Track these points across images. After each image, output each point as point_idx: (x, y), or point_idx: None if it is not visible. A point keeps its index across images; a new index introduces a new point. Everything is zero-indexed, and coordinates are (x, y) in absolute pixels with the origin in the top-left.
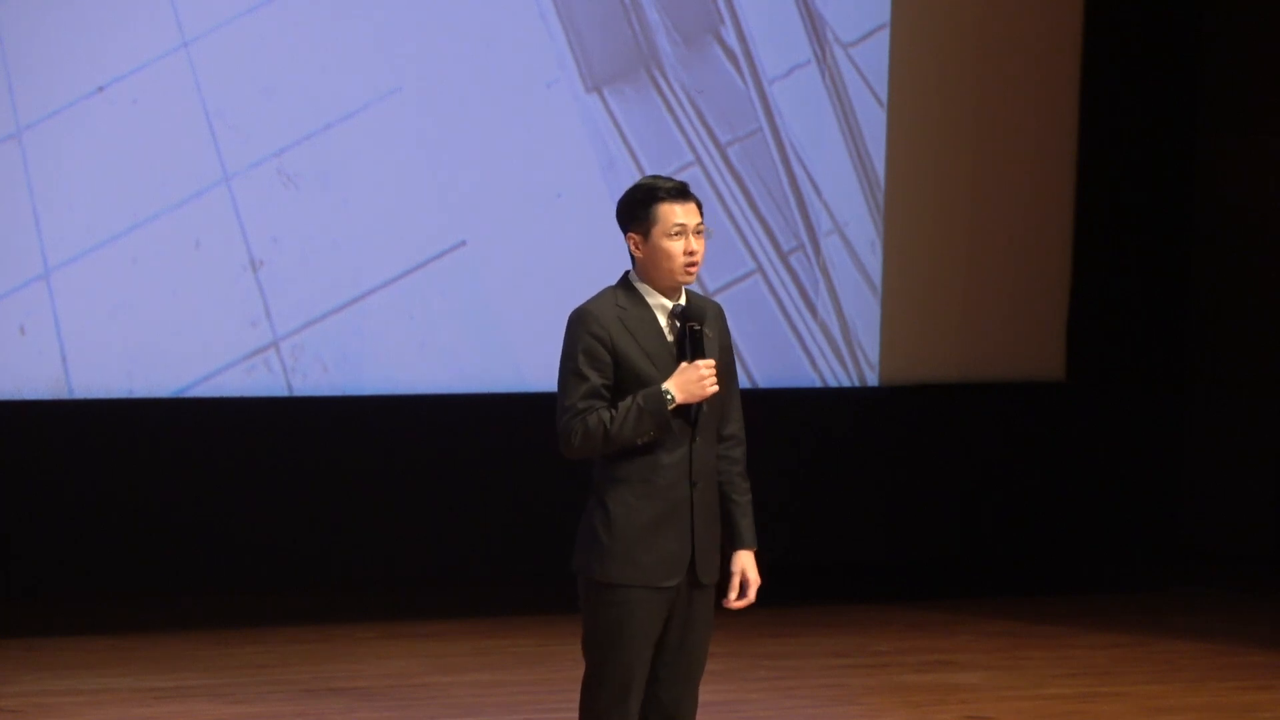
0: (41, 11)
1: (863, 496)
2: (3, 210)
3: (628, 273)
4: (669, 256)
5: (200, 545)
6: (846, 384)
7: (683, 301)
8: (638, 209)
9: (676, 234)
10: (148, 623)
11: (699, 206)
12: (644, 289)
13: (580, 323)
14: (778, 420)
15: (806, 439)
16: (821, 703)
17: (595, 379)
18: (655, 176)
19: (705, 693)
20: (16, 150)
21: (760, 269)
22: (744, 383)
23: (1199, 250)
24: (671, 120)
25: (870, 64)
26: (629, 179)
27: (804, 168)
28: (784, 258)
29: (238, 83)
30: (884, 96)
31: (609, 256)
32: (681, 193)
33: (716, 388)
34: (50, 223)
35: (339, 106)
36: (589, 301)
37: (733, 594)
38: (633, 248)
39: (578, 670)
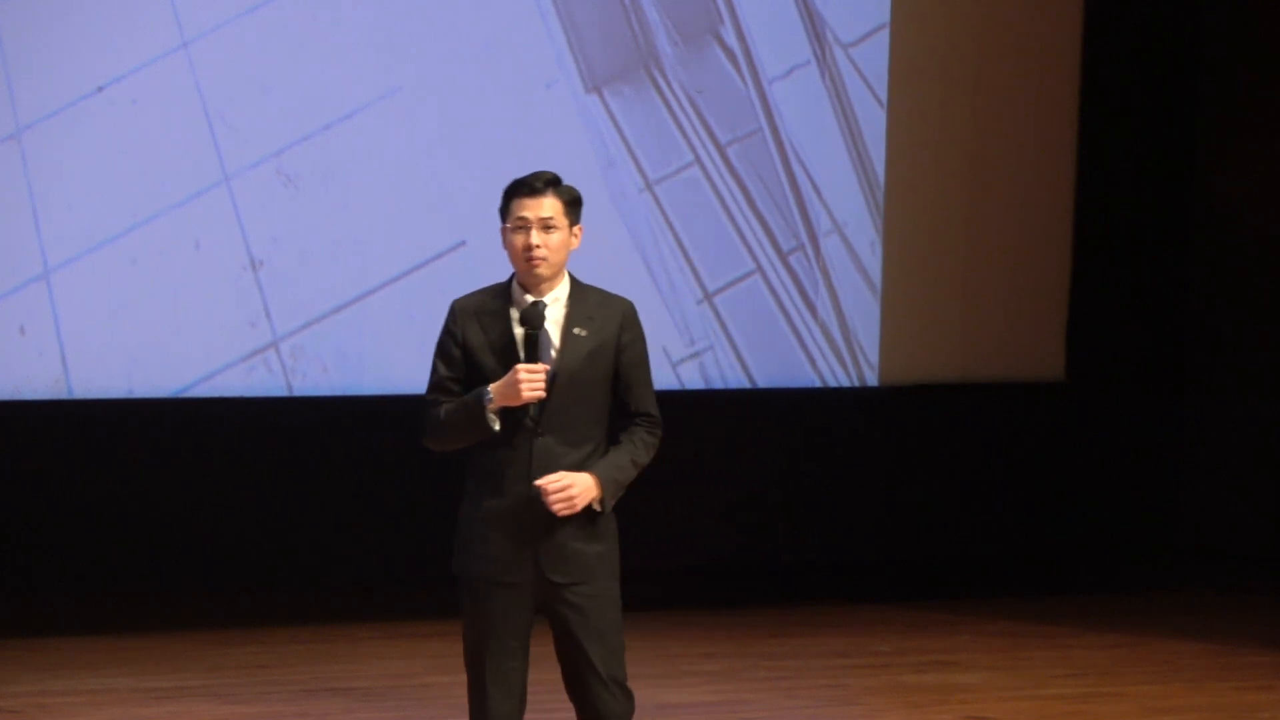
0: (41, 11)
1: (863, 496)
2: (3, 210)
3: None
4: (512, 249)
5: (200, 545)
6: (846, 384)
7: (535, 298)
8: (502, 202)
9: (517, 227)
10: (148, 623)
11: (567, 204)
12: (515, 285)
13: (447, 315)
14: (778, 420)
15: (806, 439)
16: (821, 703)
17: (443, 371)
18: (538, 172)
19: (705, 693)
20: (16, 150)
21: (760, 269)
22: (744, 383)
23: (1198, 250)
24: (671, 120)
25: (870, 64)
26: (629, 179)
27: (804, 168)
28: (784, 258)
29: (237, 83)
30: (884, 96)
31: (608, 256)
32: (533, 188)
33: (537, 393)
34: (50, 223)
35: (339, 106)
36: (467, 294)
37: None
38: (502, 241)
39: None
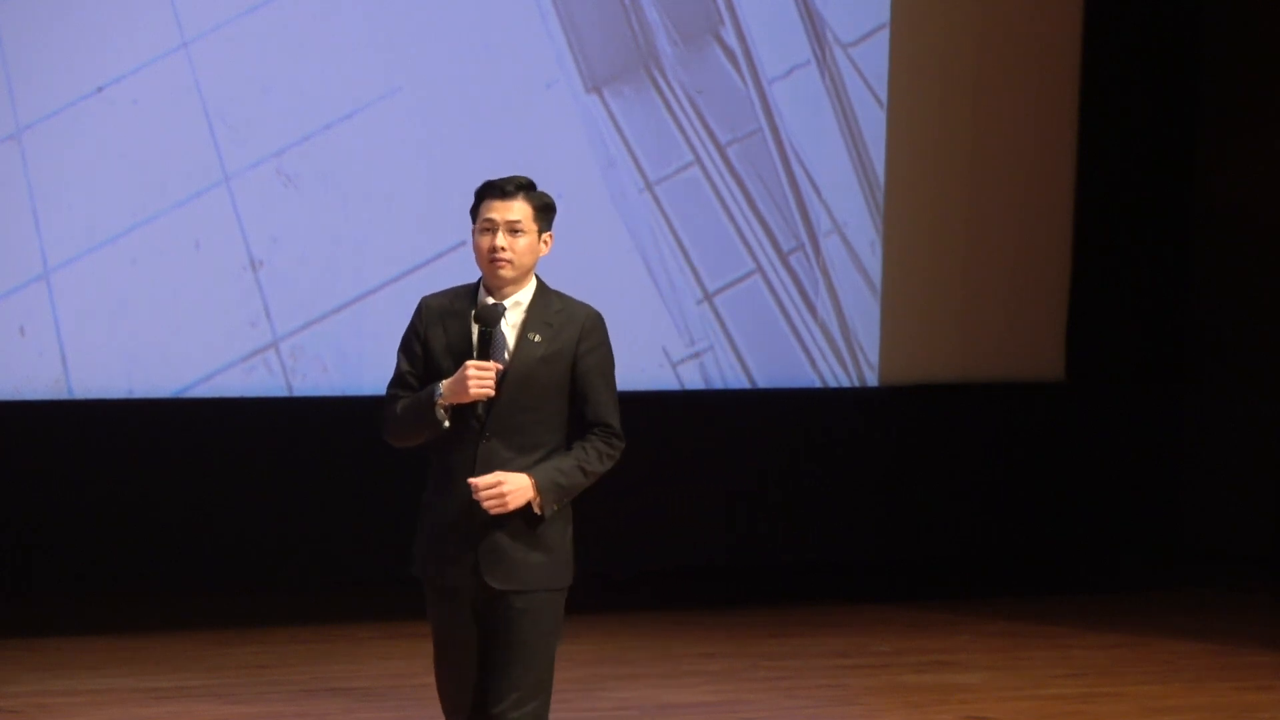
0: (41, 12)
1: (863, 496)
2: (3, 210)
3: None
4: (478, 251)
5: (200, 545)
6: (846, 384)
7: (495, 301)
8: (473, 203)
9: (484, 229)
10: (148, 623)
11: (538, 209)
12: (482, 286)
13: (414, 312)
14: (778, 420)
15: (806, 439)
16: (821, 703)
17: (404, 366)
18: (512, 176)
19: (705, 693)
20: (16, 150)
21: (760, 269)
22: (744, 383)
23: (1199, 250)
24: (671, 120)
25: (870, 64)
26: (629, 179)
27: (804, 168)
28: (784, 258)
29: (237, 83)
30: (884, 97)
31: (608, 256)
32: (504, 191)
33: (486, 391)
34: (50, 223)
35: (339, 106)
36: (437, 292)
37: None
38: (472, 243)
39: (576, 672)
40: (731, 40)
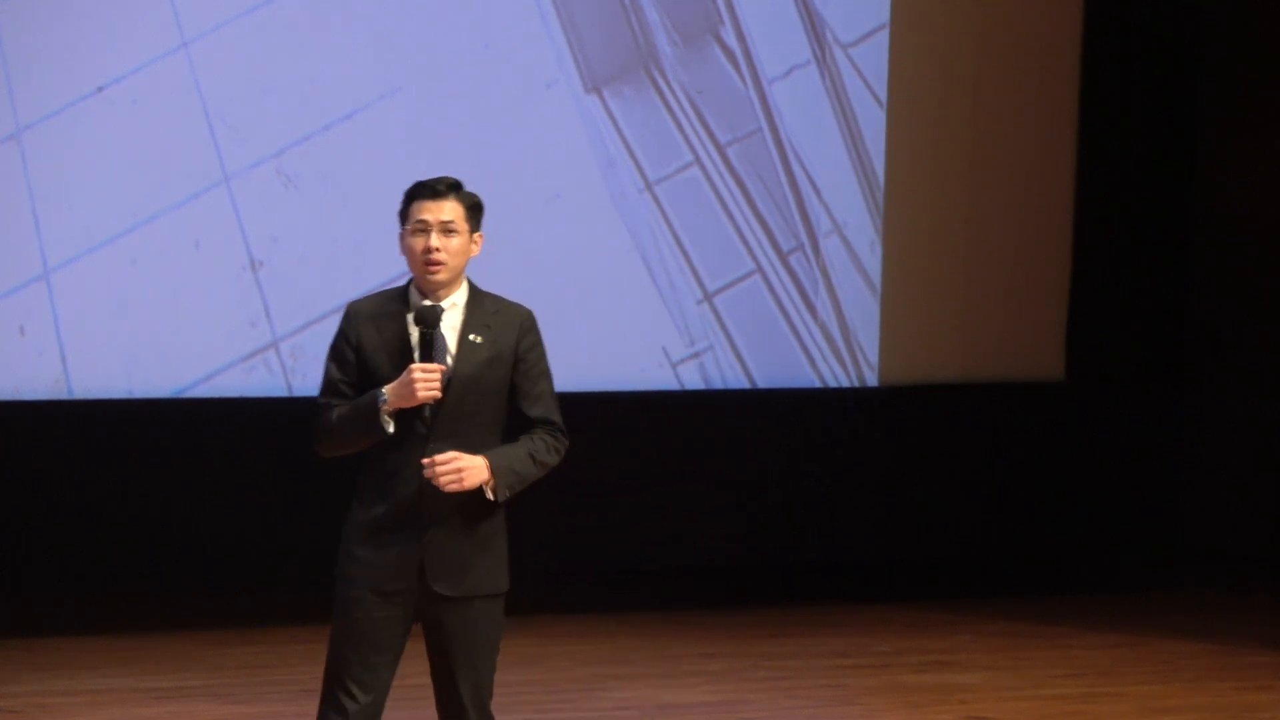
0: (41, 11)
1: (863, 496)
2: (3, 210)
3: None
4: (411, 252)
5: (200, 545)
6: (846, 384)
7: (432, 303)
8: (402, 205)
9: (417, 230)
10: (148, 623)
11: (469, 209)
12: (412, 289)
13: (342, 318)
14: (778, 420)
15: (806, 439)
16: (821, 703)
17: (335, 374)
18: (441, 177)
19: (705, 693)
20: (16, 150)
21: (760, 269)
22: (744, 383)
23: (1199, 250)
24: (671, 120)
25: (870, 64)
26: (629, 179)
27: (803, 168)
28: (784, 258)
29: (237, 83)
30: (883, 97)
31: (607, 256)
32: (435, 191)
33: (433, 393)
34: (50, 223)
35: (338, 106)
36: (363, 297)
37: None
38: (400, 244)
39: (577, 672)
40: (731, 40)
